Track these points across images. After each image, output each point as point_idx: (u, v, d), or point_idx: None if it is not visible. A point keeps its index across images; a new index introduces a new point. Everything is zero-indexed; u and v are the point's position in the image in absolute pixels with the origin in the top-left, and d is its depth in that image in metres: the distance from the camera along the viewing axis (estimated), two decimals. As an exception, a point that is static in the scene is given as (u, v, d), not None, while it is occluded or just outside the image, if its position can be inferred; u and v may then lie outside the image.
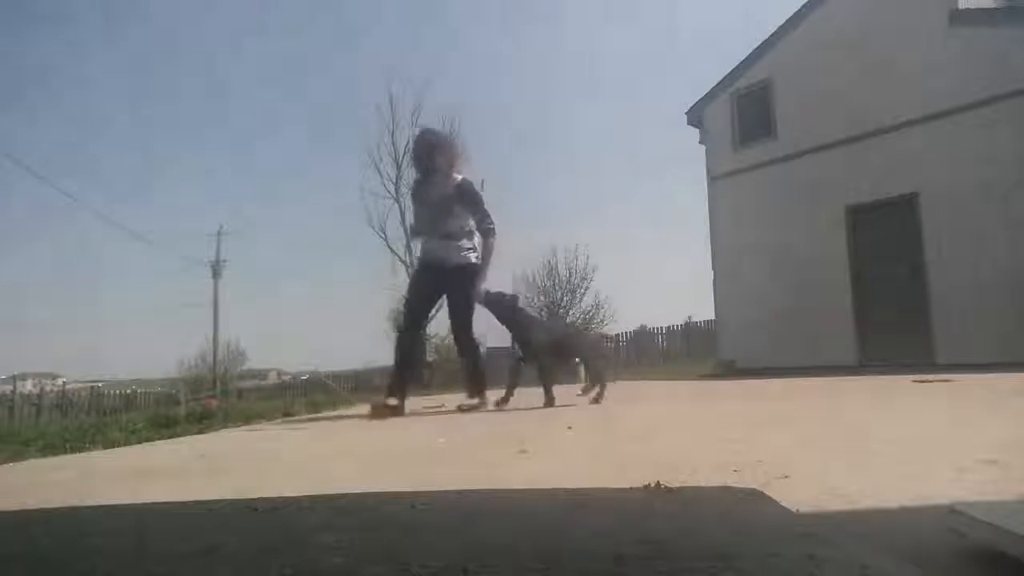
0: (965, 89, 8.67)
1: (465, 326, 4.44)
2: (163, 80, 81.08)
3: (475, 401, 4.26)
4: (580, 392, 4.36)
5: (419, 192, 4.65)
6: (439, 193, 4.42)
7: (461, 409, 4.20)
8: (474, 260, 4.42)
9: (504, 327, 4.42)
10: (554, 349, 4.28)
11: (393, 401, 4.16)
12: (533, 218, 53.59)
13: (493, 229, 4.50)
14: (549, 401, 4.04)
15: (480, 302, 4.36)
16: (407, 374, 4.46)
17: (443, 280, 4.38)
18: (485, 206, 4.61)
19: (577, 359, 4.63)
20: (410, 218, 4.94)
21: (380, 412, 4.07)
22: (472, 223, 4.46)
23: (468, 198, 4.47)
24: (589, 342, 4.96)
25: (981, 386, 4.39)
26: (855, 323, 9.69)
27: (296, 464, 2.32)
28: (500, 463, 1.97)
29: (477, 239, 4.50)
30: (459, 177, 4.52)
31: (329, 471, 2.09)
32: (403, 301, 4.58)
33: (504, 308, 4.30)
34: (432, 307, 4.58)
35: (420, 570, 0.87)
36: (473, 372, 4.48)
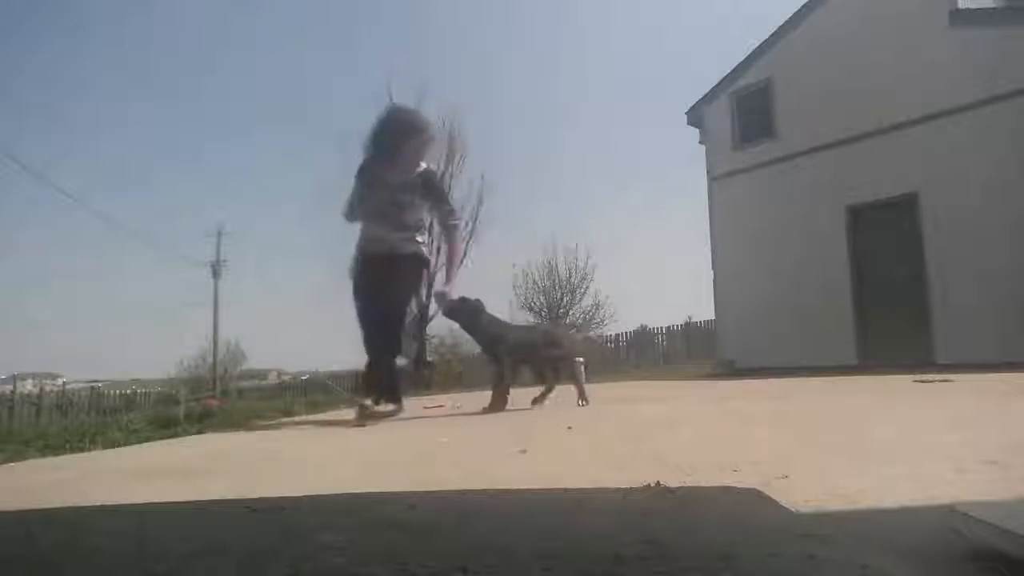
0: (965, 89, 8.68)
1: (398, 318, 3.94)
2: (163, 80, 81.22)
3: (390, 408, 3.71)
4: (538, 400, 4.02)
5: (374, 174, 3.99)
6: (400, 180, 3.93)
7: (376, 415, 3.64)
8: (426, 253, 4.06)
9: (470, 335, 4.12)
10: (527, 352, 4.04)
11: (382, 408, 3.70)
12: (533, 218, 53.62)
13: (458, 226, 4.10)
14: (493, 407, 3.87)
15: (443, 313, 4.04)
16: (388, 374, 3.89)
17: (391, 268, 3.85)
18: (450, 201, 4.20)
19: (556, 360, 4.19)
20: (347, 198, 4.11)
21: (362, 412, 3.67)
22: (426, 218, 4.05)
23: (431, 191, 4.07)
24: (569, 342, 4.52)
25: (982, 386, 4.39)
26: (855, 323, 9.71)
27: (296, 464, 2.32)
28: (500, 463, 1.97)
29: (427, 235, 4.09)
30: (423, 166, 4.08)
31: (329, 471, 2.09)
32: (356, 304, 3.92)
33: (467, 315, 3.99)
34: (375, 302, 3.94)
35: (420, 570, 0.87)
36: (390, 374, 3.90)
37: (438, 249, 9.58)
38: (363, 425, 3.51)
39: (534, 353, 4.10)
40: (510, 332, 4.12)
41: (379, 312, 3.84)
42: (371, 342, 3.87)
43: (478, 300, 4.06)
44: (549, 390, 4.08)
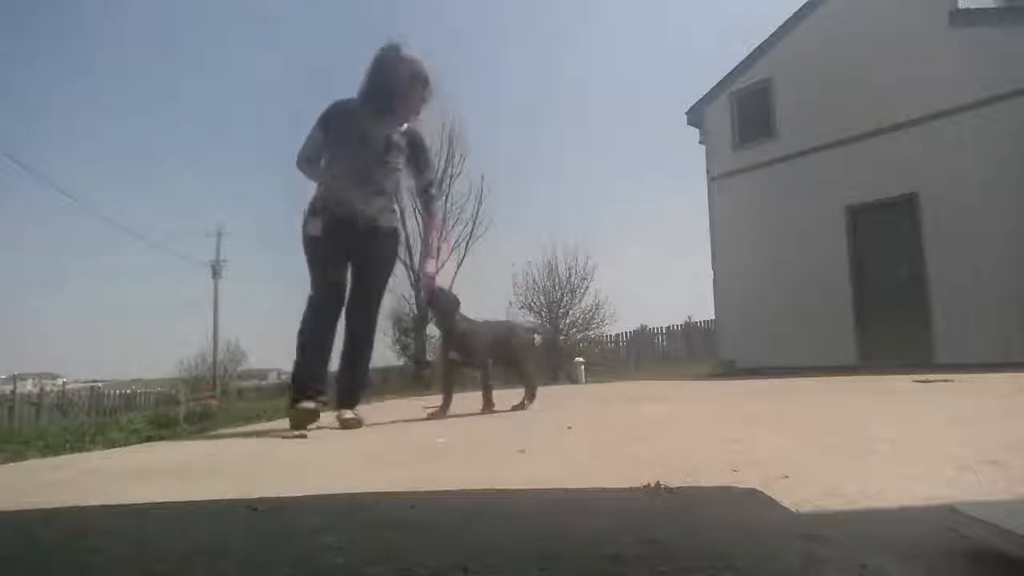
0: (965, 89, 8.70)
1: (373, 305, 3.48)
2: (164, 80, 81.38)
3: (351, 416, 3.26)
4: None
5: (358, 125, 3.39)
6: (386, 137, 3.42)
7: (344, 425, 3.20)
8: (397, 226, 3.62)
9: (442, 329, 3.80)
10: (495, 351, 3.82)
11: (311, 404, 3.17)
12: (533, 218, 53.57)
13: (438, 197, 3.73)
14: (488, 406, 3.74)
15: (426, 298, 3.66)
16: (325, 362, 3.36)
17: (361, 243, 3.37)
18: (433, 167, 3.76)
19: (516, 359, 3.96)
20: (304, 146, 3.45)
21: (300, 417, 3.13)
22: (400, 182, 3.58)
23: (417, 153, 3.55)
24: (523, 341, 4.14)
25: (981, 386, 4.39)
26: (855, 323, 9.72)
27: (296, 464, 2.32)
28: (500, 463, 1.97)
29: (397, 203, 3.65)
30: (405, 124, 3.55)
31: (329, 471, 2.09)
32: (316, 268, 3.35)
33: (446, 308, 3.69)
34: (347, 276, 3.41)
35: (420, 570, 0.87)
36: (354, 372, 3.45)
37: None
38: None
39: (500, 351, 3.89)
40: (483, 331, 3.85)
41: (360, 295, 3.40)
42: (323, 323, 3.32)
43: (455, 294, 3.84)
44: (530, 393, 3.94)
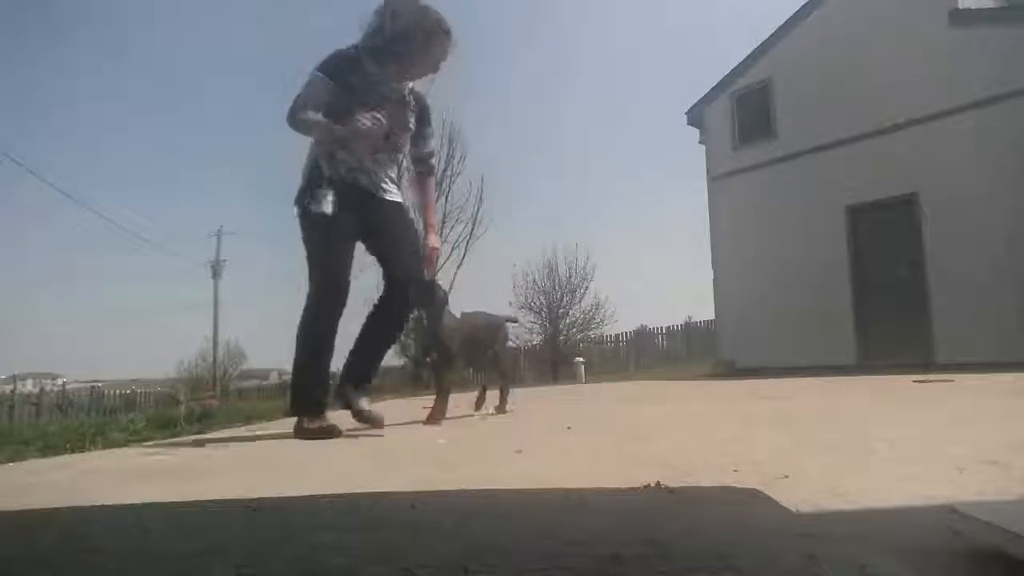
0: (965, 89, 8.69)
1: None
2: (165, 80, 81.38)
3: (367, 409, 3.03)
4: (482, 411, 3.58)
5: (369, 77, 2.86)
6: (398, 93, 2.96)
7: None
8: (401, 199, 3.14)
9: (428, 323, 3.32)
10: (470, 346, 3.47)
11: (325, 421, 2.86)
12: (533, 218, 53.56)
13: (435, 166, 3.42)
14: (440, 412, 3.28)
15: (423, 288, 3.14)
16: (327, 367, 2.95)
17: (386, 221, 2.95)
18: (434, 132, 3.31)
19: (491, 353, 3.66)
20: (299, 97, 2.83)
21: (315, 436, 2.80)
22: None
23: (424, 115, 3.12)
24: (499, 334, 3.72)
25: (982, 386, 4.39)
26: (855, 323, 9.71)
27: (296, 464, 2.32)
28: (500, 463, 1.97)
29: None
30: (410, 84, 3.04)
31: (329, 471, 2.09)
32: (322, 253, 2.83)
33: (440, 301, 3.22)
34: (352, 261, 2.92)
35: (420, 570, 0.87)
36: (375, 361, 3.19)
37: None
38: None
39: (477, 347, 3.59)
40: (465, 326, 3.48)
41: (398, 272, 2.99)
42: (329, 319, 2.84)
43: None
44: (503, 392, 3.75)
